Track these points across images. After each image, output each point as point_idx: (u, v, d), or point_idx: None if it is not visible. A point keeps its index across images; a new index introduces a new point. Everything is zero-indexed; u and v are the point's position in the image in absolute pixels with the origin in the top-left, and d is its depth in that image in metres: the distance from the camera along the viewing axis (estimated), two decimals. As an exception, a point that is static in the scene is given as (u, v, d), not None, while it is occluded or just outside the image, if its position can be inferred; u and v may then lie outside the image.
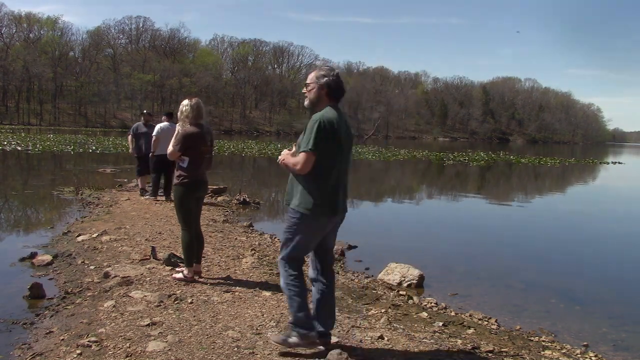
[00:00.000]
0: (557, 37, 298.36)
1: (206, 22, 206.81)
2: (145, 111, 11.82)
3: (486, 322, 4.94)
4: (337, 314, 4.34)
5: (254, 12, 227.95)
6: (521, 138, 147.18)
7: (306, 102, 3.68)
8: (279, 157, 3.59)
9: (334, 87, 3.57)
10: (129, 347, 3.49)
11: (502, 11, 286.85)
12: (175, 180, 5.02)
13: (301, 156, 3.37)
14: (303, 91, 3.71)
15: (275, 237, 8.15)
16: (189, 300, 4.45)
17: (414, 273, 6.18)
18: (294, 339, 3.50)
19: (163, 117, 10.50)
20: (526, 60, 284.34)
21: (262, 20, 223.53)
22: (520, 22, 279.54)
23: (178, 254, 5.70)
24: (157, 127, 10.23)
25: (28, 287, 4.82)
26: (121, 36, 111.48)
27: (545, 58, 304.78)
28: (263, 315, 4.19)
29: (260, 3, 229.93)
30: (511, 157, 40.91)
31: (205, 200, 11.25)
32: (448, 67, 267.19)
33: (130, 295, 4.59)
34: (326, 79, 3.57)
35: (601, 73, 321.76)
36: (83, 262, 5.87)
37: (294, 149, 3.55)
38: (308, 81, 3.66)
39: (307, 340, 3.50)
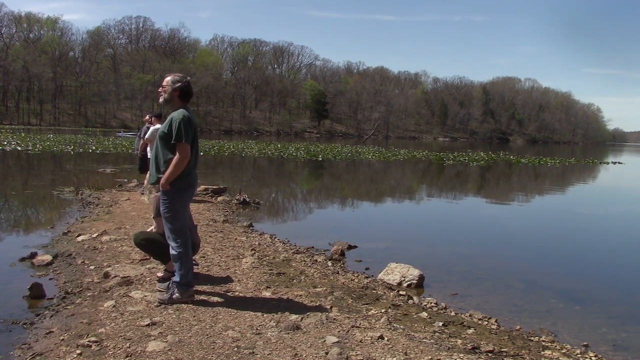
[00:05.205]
0: (564, 37, 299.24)
1: (220, 19, 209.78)
2: (152, 113, 11.86)
3: (486, 322, 4.94)
4: (337, 313, 4.35)
5: (270, 10, 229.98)
6: (521, 138, 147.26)
7: (161, 100, 4.45)
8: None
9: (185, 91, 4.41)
10: (129, 347, 3.49)
11: (520, 10, 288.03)
12: None
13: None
14: (159, 90, 4.48)
15: (275, 237, 8.16)
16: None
17: (414, 273, 6.18)
18: (177, 295, 4.34)
19: (153, 119, 10.52)
20: (532, 60, 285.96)
21: (277, 18, 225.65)
22: (531, 21, 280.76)
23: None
24: (152, 128, 10.23)
25: (28, 287, 4.82)
26: (121, 36, 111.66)
27: (552, 58, 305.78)
28: (263, 315, 4.18)
29: (277, 1, 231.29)
30: (511, 157, 40.91)
31: (205, 200, 11.34)
32: (453, 66, 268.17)
33: (130, 295, 4.59)
34: (179, 84, 4.38)
35: (610, 73, 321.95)
36: (83, 262, 5.87)
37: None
38: (164, 83, 4.44)
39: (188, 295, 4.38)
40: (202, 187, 12.30)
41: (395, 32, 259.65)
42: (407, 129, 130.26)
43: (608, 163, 39.95)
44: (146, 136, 10.32)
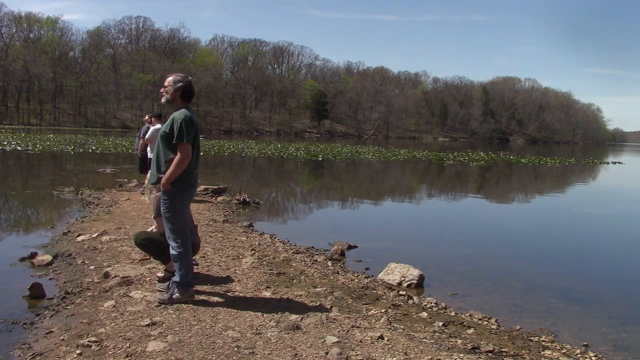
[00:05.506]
0: (564, 37, 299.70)
1: (220, 19, 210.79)
2: (151, 113, 11.93)
3: (486, 322, 4.94)
4: (337, 313, 4.35)
5: (270, 10, 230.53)
6: (521, 138, 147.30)
7: (163, 100, 4.45)
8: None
9: (187, 91, 4.39)
10: (129, 347, 3.49)
11: (520, 10, 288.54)
12: None
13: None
14: (161, 91, 4.47)
15: (275, 237, 8.16)
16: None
17: (414, 273, 6.18)
18: (177, 295, 4.34)
19: (153, 119, 10.55)
20: (533, 60, 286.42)
21: (277, 18, 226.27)
22: (532, 21, 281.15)
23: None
24: (152, 128, 10.27)
25: (28, 287, 4.82)
26: (121, 36, 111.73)
27: (552, 58, 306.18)
28: (263, 315, 4.18)
29: (277, 1, 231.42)
30: (511, 157, 40.91)
31: (205, 200, 11.34)
32: (453, 66, 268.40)
33: (130, 295, 4.59)
34: (180, 84, 4.36)
35: (611, 73, 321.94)
36: (83, 262, 5.87)
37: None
38: (165, 84, 4.41)
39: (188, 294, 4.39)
40: (202, 187, 12.31)
41: (396, 32, 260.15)
42: (407, 129, 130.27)
43: (608, 163, 39.95)
44: (146, 136, 10.35)
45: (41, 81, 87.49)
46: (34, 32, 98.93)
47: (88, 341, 3.55)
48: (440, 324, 4.53)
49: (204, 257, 6.01)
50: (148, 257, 5.77)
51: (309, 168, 25.78)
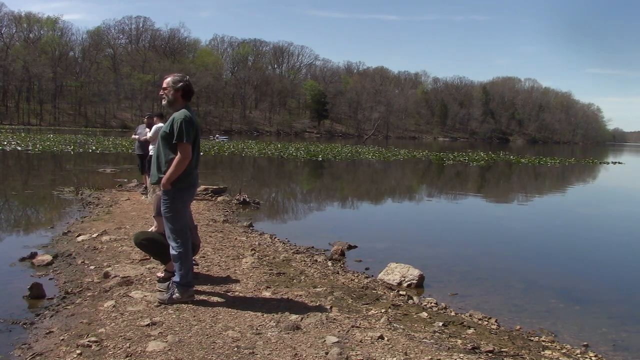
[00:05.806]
0: (564, 37, 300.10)
1: (220, 19, 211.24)
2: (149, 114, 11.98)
3: (486, 322, 4.94)
4: (337, 313, 4.35)
5: (270, 10, 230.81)
6: (521, 138, 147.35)
7: (164, 102, 4.43)
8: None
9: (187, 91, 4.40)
10: (129, 347, 3.49)
11: (521, 10, 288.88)
12: None
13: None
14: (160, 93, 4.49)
15: (275, 237, 8.16)
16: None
17: (414, 273, 6.18)
18: (177, 295, 4.35)
19: (155, 119, 10.62)
20: (533, 60, 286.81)
21: (277, 18, 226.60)
22: (532, 21, 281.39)
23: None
24: (155, 127, 10.33)
25: (28, 287, 4.82)
26: (121, 36, 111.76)
27: (553, 58, 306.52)
28: (263, 315, 4.18)
29: (277, 1, 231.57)
30: (511, 157, 40.90)
31: (205, 200, 11.34)
32: (454, 66, 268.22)
33: (130, 295, 4.59)
34: (181, 83, 4.37)
35: (611, 73, 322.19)
36: (83, 262, 5.87)
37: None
38: (164, 85, 4.41)
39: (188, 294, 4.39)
40: (202, 187, 12.31)
41: (396, 32, 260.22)
42: (407, 129, 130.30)
43: (608, 163, 39.95)
44: (150, 135, 10.40)
45: (41, 81, 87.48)
46: (34, 32, 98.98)
47: (88, 341, 3.55)
48: (440, 324, 4.53)
49: (204, 257, 6.01)
50: (148, 257, 5.76)
51: (309, 168, 25.78)
